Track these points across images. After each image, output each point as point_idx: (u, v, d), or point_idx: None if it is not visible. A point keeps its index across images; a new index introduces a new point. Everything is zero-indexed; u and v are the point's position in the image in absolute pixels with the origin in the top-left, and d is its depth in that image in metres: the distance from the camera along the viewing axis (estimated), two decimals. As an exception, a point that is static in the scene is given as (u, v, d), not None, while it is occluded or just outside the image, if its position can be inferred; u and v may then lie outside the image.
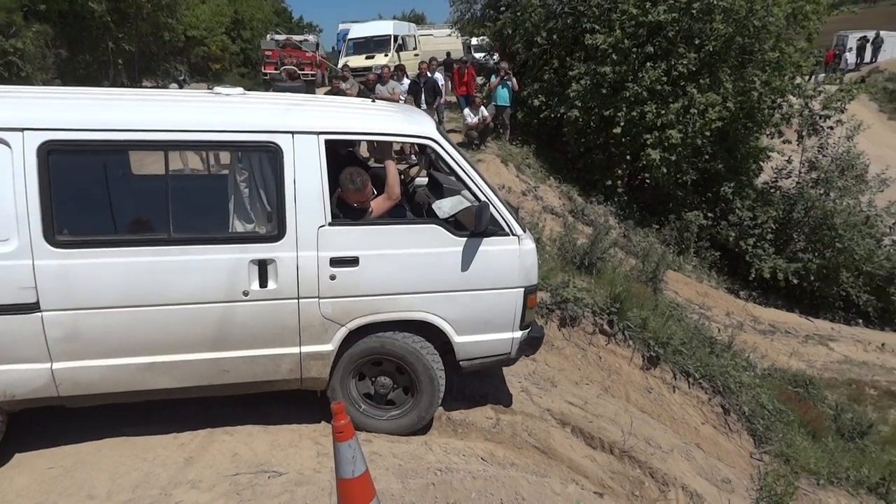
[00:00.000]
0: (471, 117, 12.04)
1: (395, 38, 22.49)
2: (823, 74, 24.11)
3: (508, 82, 12.87)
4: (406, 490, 3.23)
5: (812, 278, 11.90)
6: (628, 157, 12.97)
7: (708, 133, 11.94)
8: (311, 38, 29.25)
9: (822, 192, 12.66)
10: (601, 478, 4.29)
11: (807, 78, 14.63)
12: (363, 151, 8.69)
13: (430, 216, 4.11)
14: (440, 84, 12.58)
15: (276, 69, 22.98)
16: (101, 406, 3.60)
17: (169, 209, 3.36)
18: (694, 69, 12.09)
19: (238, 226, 3.57)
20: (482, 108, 12.24)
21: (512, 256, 3.77)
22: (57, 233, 3.19)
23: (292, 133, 3.46)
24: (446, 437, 4.03)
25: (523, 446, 4.25)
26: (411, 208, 4.34)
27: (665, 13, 11.84)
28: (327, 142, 3.54)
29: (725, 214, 12.94)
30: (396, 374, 3.87)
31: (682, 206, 12.97)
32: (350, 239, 3.54)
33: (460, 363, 3.89)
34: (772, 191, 13.84)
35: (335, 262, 3.51)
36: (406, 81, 12.39)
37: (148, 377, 3.48)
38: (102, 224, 3.67)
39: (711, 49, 12.00)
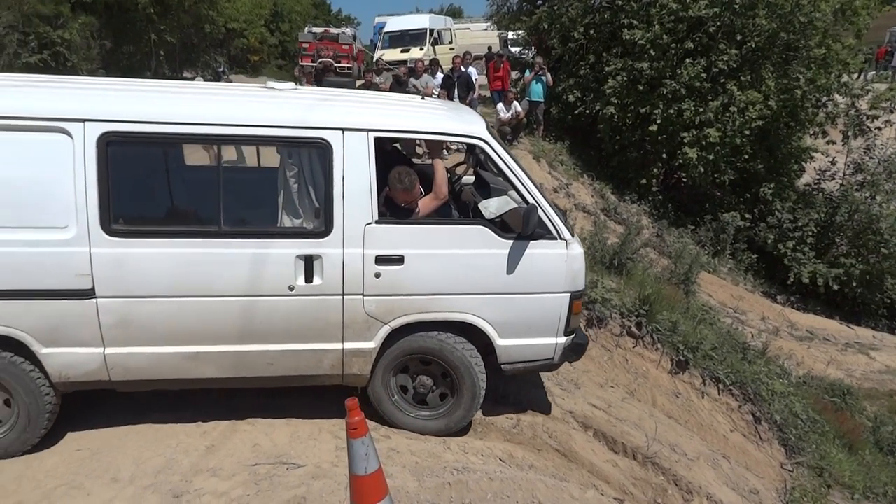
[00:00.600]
0: (504, 112, 11.94)
1: (431, 31, 22.48)
2: (873, 73, 23.23)
3: (543, 77, 12.73)
4: (421, 488, 3.22)
5: (854, 284, 11.50)
6: (664, 156, 12.71)
7: (748, 132, 11.62)
8: (348, 30, 29.42)
9: (867, 195, 12.20)
10: (623, 484, 4.21)
11: (855, 76, 14.09)
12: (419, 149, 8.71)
13: (475, 216, 4.10)
14: (474, 79, 12.51)
15: (313, 61, 23.23)
16: (128, 392, 3.69)
17: (220, 202, 3.44)
18: (735, 66, 11.76)
19: (286, 220, 3.62)
20: (515, 103, 12.12)
21: (559, 261, 3.73)
22: (113, 222, 3.30)
23: (342, 130, 3.49)
24: (465, 437, 4.00)
25: (543, 448, 4.20)
26: (457, 207, 4.32)
27: (706, 8, 11.54)
28: (376, 139, 3.55)
29: (764, 216, 12.58)
30: (437, 375, 3.87)
31: (719, 207, 12.66)
32: (396, 237, 3.55)
33: (502, 367, 3.87)
34: (814, 193, 13.40)
35: (380, 260, 3.52)
36: (439, 75, 12.36)
37: (194, 366, 3.57)
38: (156, 215, 3.78)
39: (754, 45, 11.66)
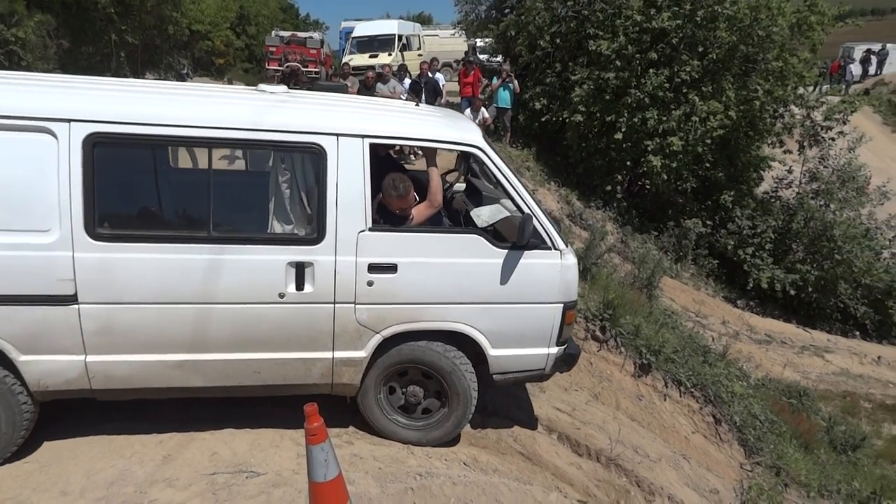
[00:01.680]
0: (471, 119, 11.98)
1: (400, 37, 22.48)
2: (828, 86, 24.08)
3: (510, 84, 12.83)
4: (384, 495, 3.18)
5: (810, 289, 11.86)
6: (629, 163, 12.93)
7: (709, 141, 11.90)
8: (316, 35, 29.20)
9: (822, 203, 12.62)
10: (586, 486, 4.23)
11: (810, 88, 14.58)
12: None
13: (467, 224, 4.07)
14: (441, 84, 12.55)
15: (280, 65, 22.99)
16: (81, 403, 3.56)
17: (209, 207, 3.35)
18: (697, 76, 12.04)
19: (277, 227, 3.55)
20: (483, 109, 12.19)
21: (553, 271, 3.70)
22: (98, 226, 3.19)
23: (337, 135, 3.43)
24: (430, 441, 3.97)
25: (508, 452, 4.20)
26: (448, 215, 4.28)
27: (669, 20, 11.80)
28: (371, 146, 3.50)
29: (724, 223, 12.89)
30: (428, 385, 3.82)
31: (682, 214, 12.93)
32: (389, 245, 3.50)
33: (493, 377, 3.83)
34: (772, 200, 13.80)
35: (373, 268, 3.47)
36: (407, 81, 12.36)
37: (179, 375, 3.46)
38: (143, 219, 3.67)
39: (714, 57, 11.96)
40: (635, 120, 12.24)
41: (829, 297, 12.02)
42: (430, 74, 12.28)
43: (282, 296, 3.39)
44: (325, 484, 2.43)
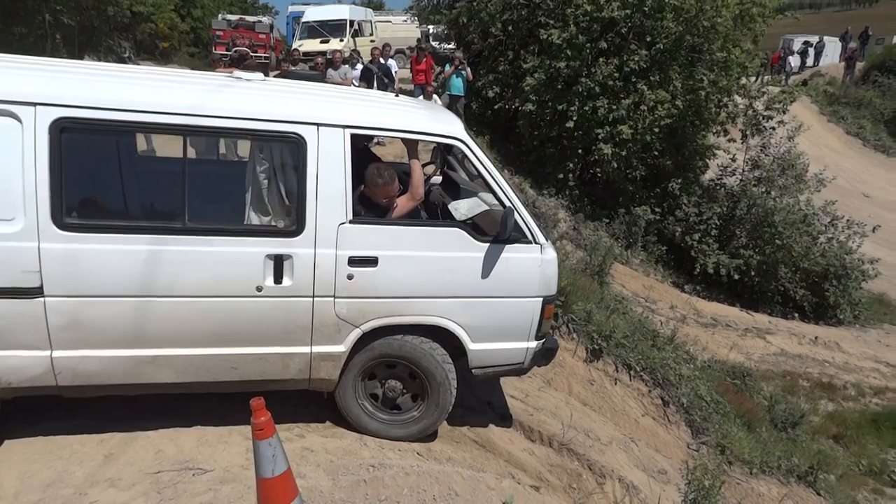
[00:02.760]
0: (424, 106, 11.90)
1: (352, 23, 22.13)
2: (769, 76, 24.94)
3: (463, 72, 12.79)
4: (336, 487, 3.14)
5: (753, 274, 12.30)
6: (580, 152, 13.09)
7: (657, 129, 12.15)
8: (265, 19, 28.51)
9: (764, 190, 13.06)
10: (539, 471, 4.29)
11: (753, 79, 15.04)
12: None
13: (444, 216, 4.02)
14: (393, 71, 12.41)
15: (227, 50, 22.34)
16: (13, 402, 3.37)
17: (185, 197, 3.22)
18: (645, 66, 12.25)
19: (254, 218, 3.43)
20: (435, 97, 12.13)
21: (533, 265, 3.69)
22: (66, 215, 3.04)
23: (317, 125, 3.34)
24: (383, 432, 3.94)
25: (462, 440, 4.21)
26: (425, 208, 4.21)
27: (618, 10, 11.95)
28: (352, 136, 3.41)
29: (672, 210, 13.22)
30: (407, 380, 3.77)
31: (632, 201, 13.19)
32: (370, 238, 3.44)
33: (472, 371, 3.81)
34: (717, 188, 14.22)
35: (354, 261, 3.40)
36: (359, 67, 12.17)
37: (151, 370, 3.32)
38: (113, 208, 3.52)
39: (662, 47, 12.19)
40: (586, 108, 12.39)
41: (771, 280, 12.49)
42: (382, 61, 12.13)
43: (259, 289, 3.30)
44: (273, 479, 2.37)
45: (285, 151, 3.38)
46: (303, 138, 3.32)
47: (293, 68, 10.62)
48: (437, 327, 3.65)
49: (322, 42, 20.22)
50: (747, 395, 7.69)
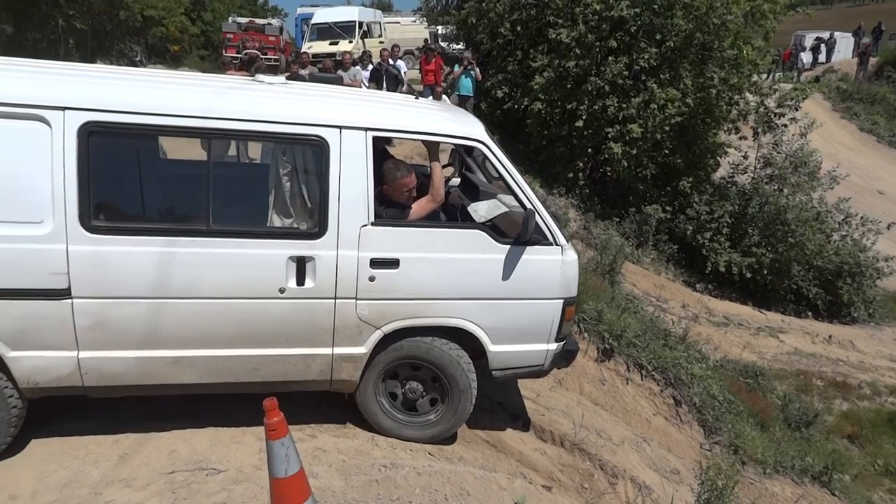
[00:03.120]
0: (434, 107, 11.92)
1: (360, 24, 22.20)
2: (780, 73, 24.72)
3: (472, 72, 12.79)
4: (348, 487, 3.16)
5: (765, 272, 12.19)
6: (590, 151, 13.04)
7: (667, 128, 12.08)
8: (274, 21, 28.65)
9: (776, 188, 12.95)
10: (551, 471, 4.29)
11: (763, 76, 14.92)
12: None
13: (463, 218, 4.04)
14: (403, 72, 12.43)
15: (237, 52, 22.48)
16: (38, 402, 3.41)
17: (209, 200, 3.27)
18: (655, 64, 12.18)
19: (276, 220, 3.48)
20: (444, 97, 12.13)
21: (554, 267, 3.70)
22: (93, 218, 3.10)
23: (340, 128, 3.37)
24: (394, 432, 3.95)
25: (473, 440, 4.22)
26: (444, 209, 4.24)
27: (628, 8, 11.90)
28: (374, 139, 3.45)
29: (683, 208, 13.14)
30: (428, 381, 3.79)
31: (642, 200, 13.12)
32: (392, 240, 3.47)
33: (492, 373, 3.82)
34: (728, 186, 14.11)
35: (375, 263, 3.43)
36: (370, 68, 12.21)
37: (175, 371, 3.38)
38: (140, 211, 3.59)
39: (672, 45, 12.11)
40: (596, 107, 12.33)
41: (783, 279, 12.38)
42: (391, 62, 12.15)
43: (282, 291, 3.34)
44: (286, 479, 2.39)
45: (308, 154, 3.42)
46: (325, 141, 3.35)
47: (302, 71, 10.66)
48: (458, 329, 3.66)
49: (331, 44, 20.30)
50: (760, 395, 7.63)
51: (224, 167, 4.14)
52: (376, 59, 13.53)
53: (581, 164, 13.10)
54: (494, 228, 3.76)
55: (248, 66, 15.42)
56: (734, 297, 12.52)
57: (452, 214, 4.25)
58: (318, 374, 3.58)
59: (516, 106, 13.90)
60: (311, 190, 3.44)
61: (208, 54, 35.43)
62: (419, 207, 3.76)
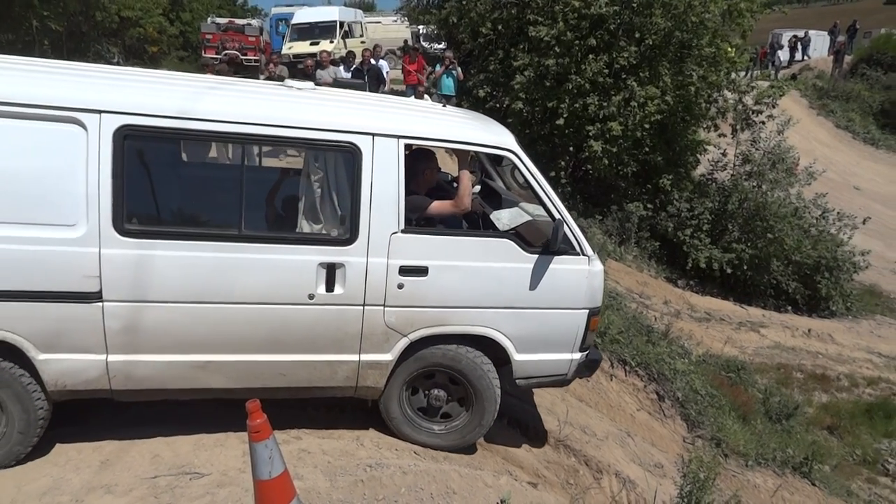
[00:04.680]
0: (415, 106, 11.91)
1: (342, 24, 22.11)
2: (758, 71, 25.05)
3: (453, 71, 12.81)
4: (334, 488, 3.15)
5: (745, 267, 12.34)
6: (571, 149, 13.11)
7: (648, 126, 12.17)
8: (254, 22, 28.45)
9: (754, 184, 13.11)
10: (536, 468, 4.31)
11: (742, 74, 15.10)
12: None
13: (485, 226, 4.06)
14: (385, 72, 12.41)
15: (217, 53, 22.31)
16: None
17: (241, 205, 3.28)
18: (635, 62, 12.27)
19: (305, 226, 3.47)
20: (426, 97, 12.12)
21: (581, 277, 3.72)
22: (126, 221, 3.10)
23: (373, 135, 3.39)
24: (380, 432, 3.95)
25: (458, 439, 4.21)
26: (465, 217, 4.25)
27: (607, 6, 11.97)
28: (406, 146, 3.47)
29: (664, 205, 13.25)
30: (452, 388, 3.80)
31: (624, 198, 13.21)
32: (421, 248, 3.48)
33: (516, 381, 3.85)
34: (708, 183, 14.26)
35: (405, 270, 3.44)
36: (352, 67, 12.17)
37: (202, 376, 3.38)
38: (172, 215, 3.56)
39: (651, 43, 12.21)
40: (576, 106, 12.40)
41: (763, 274, 12.54)
42: (372, 62, 12.13)
43: (311, 297, 3.34)
44: (270, 481, 2.38)
45: (340, 161, 3.43)
46: (358, 148, 3.37)
47: (276, 71, 10.63)
48: (483, 337, 3.67)
49: (312, 44, 20.18)
50: (742, 389, 7.73)
51: (258, 172, 4.18)
52: (358, 59, 13.49)
53: (563, 163, 13.16)
54: (519, 237, 3.78)
55: (230, 67, 15.28)
56: (715, 293, 12.66)
57: (474, 222, 4.26)
58: (343, 381, 3.59)
59: (498, 105, 13.93)
60: (341, 196, 3.45)
61: (187, 55, 35.02)
62: (440, 206, 3.79)
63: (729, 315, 11.51)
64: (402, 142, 3.45)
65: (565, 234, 3.61)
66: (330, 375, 3.55)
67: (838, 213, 13.10)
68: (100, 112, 3.04)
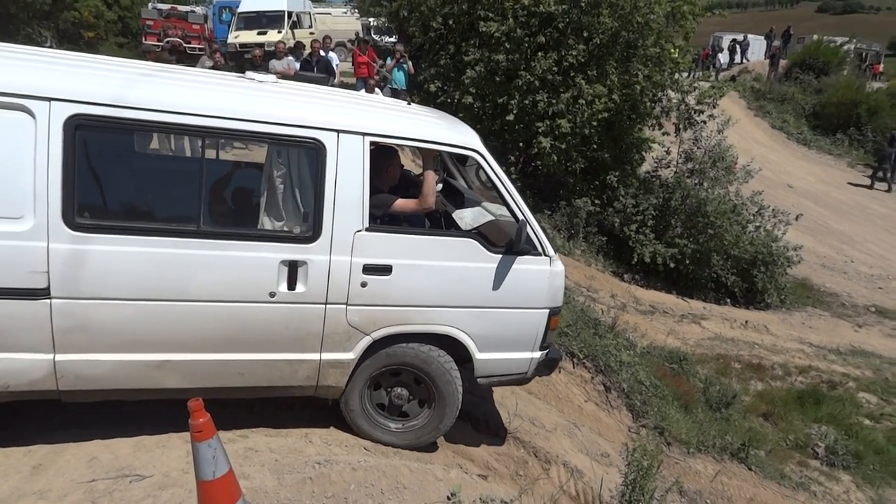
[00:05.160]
0: (366, 100, 11.79)
1: (290, 14, 21.66)
2: (700, 72, 25.91)
3: (404, 65, 12.73)
4: (281, 486, 3.09)
5: (687, 262, 12.75)
6: (521, 145, 13.25)
7: (595, 123, 12.41)
8: (198, 9, 27.57)
9: (696, 181, 13.55)
10: (486, 460, 4.34)
11: (685, 75, 15.57)
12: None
13: (447, 225, 4.04)
14: (334, 64, 12.23)
15: (158, 41, 21.52)
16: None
17: (201, 199, 3.16)
18: (583, 60, 12.49)
19: (267, 223, 3.38)
20: (377, 90, 12.03)
21: (542, 277, 3.75)
22: (77, 215, 2.93)
23: (338, 131, 3.31)
24: (329, 429, 3.90)
25: (409, 433, 4.20)
26: (427, 215, 4.21)
27: (556, 4, 12.14)
28: (371, 143, 3.40)
29: (611, 201, 13.54)
30: (413, 387, 3.78)
31: (573, 193, 13.43)
32: (385, 246, 3.43)
33: (477, 380, 3.85)
34: (653, 180, 14.65)
35: (368, 269, 3.39)
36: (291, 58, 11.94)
37: (157, 375, 3.24)
38: (127, 209, 3.40)
39: (599, 42, 12.45)
40: (526, 102, 12.53)
41: (704, 268, 12.98)
42: (322, 53, 11.93)
43: (272, 295, 3.26)
44: (214, 482, 2.31)
45: (303, 157, 3.35)
46: (323, 144, 3.30)
47: (207, 62, 10.37)
48: (445, 336, 3.67)
49: (259, 33, 19.73)
50: (684, 379, 7.98)
51: (218, 165, 4.04)
52: (306, 50, 13.25)
53: (513, 158, 13.29)
54: (482, 237, 3.80)
55: (172, 55, 14.75)
56: (659, 287, 13.04)
57: (436, 221, 4.25)
58: (303, 380, 3.53)
59: (449, 100, 13.94)
60: (305, 193, 3.38)
61: (127, 41, 33.58)
62: (403, 204, 3.77)
63: (672, 308, 11.88)
64: (368, 139, 3.41)
65: (528, 234, 3.65)
66: (290, 375, 3.50)
67: (773, 210, 13.68)
68: (50, 99, 2.89)
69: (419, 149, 3.91)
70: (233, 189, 3.75)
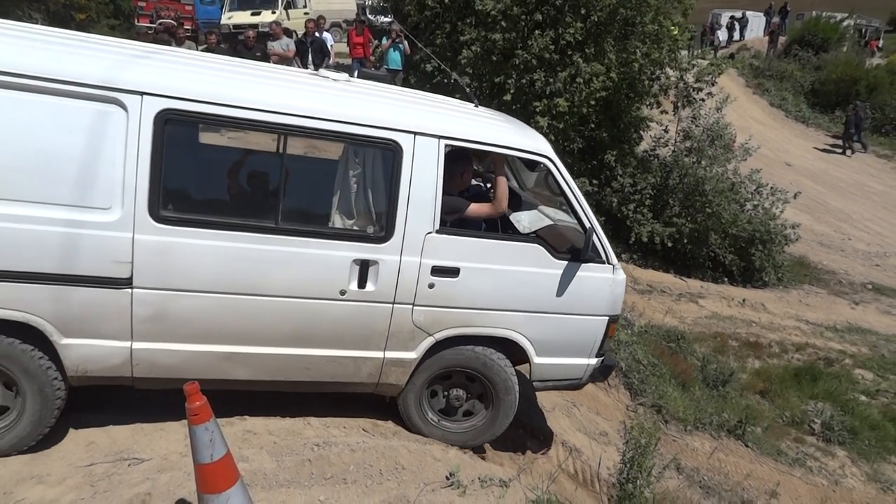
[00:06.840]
0: (362, 80, 11.67)
1: (283, -6, 21.32)
2: (699, 50, 25.68)
3: (400, 45, 12.59)
4: (280, 468, 3.11)
5: (685, 241, 12.74)
6: (519, 125, 13.14)
7: (593, 102, 12.29)
8: (190, -10, 27.09)
9: (694, 160, 13.46)
10: (485, 440, 4.35)
11: (683, 52, 15.41)
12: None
13: (503, 228, 4.06)
14: (329, 45, 12.09)
15: (151, 22, 21.26)
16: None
17: (279, 197, 3.23)
18: (580, 38, 12.34)
19: (338, 221, 3.40)
20: (373, 70, 11.89)
21: (604, 285, 3.79)
22: (162, 208, 2.98)
23: (414, 133, 3.33)
24: (327, 411, 3.91)
25: (408, 415, 4.21)
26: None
27: (553, -19, 11.96)
28: (446, 146, 3.42)
29: (609, 181, 13.47)
30: (471, 388, 3.83)
31: (570, 173, 13.34)
32: (454, 249, 3.47)
33: (533, 383, 3.90)
34: (651, 159, 14.54)
35: (436, 270, 3.43)
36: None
37: (227, 367, 3.30)
38: (209, 203, 3.47)
39: (596, 19, 12.29)
40: (523, 81, 12.40)
41: (702, 247, 12.97)
42: (316, 34, 11.78)
43: (343, 293, 3.31)
44: (211, 465, 2.32)
45: (379, 157, 3.38)
46: (400, 146, 3.32)
47: (189, 43, 10.24)
48: (505, 339, 3.70)
49: (253, 14, 19.45)
50: (682, 357, 8.02)
51: (298, 162, 4.13)
52: (300, 30, 13.09)
53: (510, 139, 13.20)
54: (544, 241, 3.81)
55: (166, 37, 14.57)
56: (657, 266, 13.04)
57: (492, 223, 4.24)
58: (366, 377, 3.58)
59: (445, 80, 13.80)
60: (378, 193, 3.40)
61: (119, 23, 33.17)
62: (478, 209, 3.80)
63: (670, 287, 11.90)
64: (444, 142, 3.43)
65: (594, 242, 3.68)
66: (354, 371, 3.56)
67: (771, 188, 13.64)
68: (142, 94, 2.93)
69: (491, 154, 3.90)
70: (308, 187, 3.76)
